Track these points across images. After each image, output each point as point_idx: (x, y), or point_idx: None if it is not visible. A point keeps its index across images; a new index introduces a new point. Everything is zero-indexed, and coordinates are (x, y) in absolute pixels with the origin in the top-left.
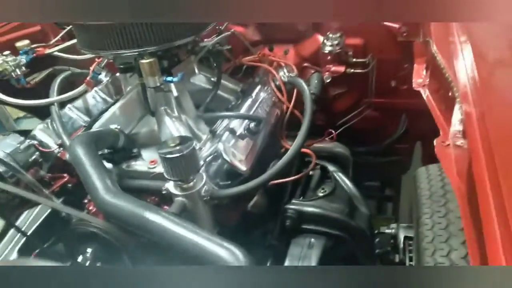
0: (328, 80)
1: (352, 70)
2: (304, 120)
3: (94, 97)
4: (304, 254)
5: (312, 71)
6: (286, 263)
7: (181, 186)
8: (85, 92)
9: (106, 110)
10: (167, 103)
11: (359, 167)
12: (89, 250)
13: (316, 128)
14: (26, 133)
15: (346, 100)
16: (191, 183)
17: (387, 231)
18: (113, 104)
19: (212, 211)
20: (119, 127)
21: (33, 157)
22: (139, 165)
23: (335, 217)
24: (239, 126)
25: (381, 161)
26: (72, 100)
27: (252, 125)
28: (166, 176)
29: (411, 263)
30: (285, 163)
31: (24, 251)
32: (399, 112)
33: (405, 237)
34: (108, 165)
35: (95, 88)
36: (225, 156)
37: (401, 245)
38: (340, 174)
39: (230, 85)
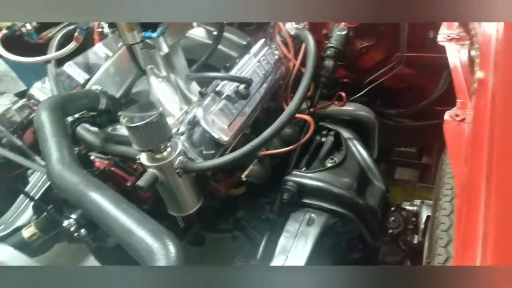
0: (344, 32)
1: None
2: (302, 80)
3: (96, 53)
4: (302, 231)
5: None
6: (281, 240)
7: (152, 157)
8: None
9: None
10: (153, 62)
11: (392, 131)
12: (73, 216)
13: (340, 86)
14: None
15: (375, 54)
16: (165, 153)
17: (408, 207)
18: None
19: (192, 182)
20: (100, 88)
21: (30, 117)
22: (124, 129)
23: (338, 193)
24: (227, 88)
25: (418, 125)
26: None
27: (241, 87)
28: (133, 146)
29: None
30: (274, 131)
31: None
32: (440, 68)
33: (428, 217)
34: (94, 129)
35: (99, 43)
36: (202, 124)
37: (422, 226)
38: (355, 142)
39: (235, 39)
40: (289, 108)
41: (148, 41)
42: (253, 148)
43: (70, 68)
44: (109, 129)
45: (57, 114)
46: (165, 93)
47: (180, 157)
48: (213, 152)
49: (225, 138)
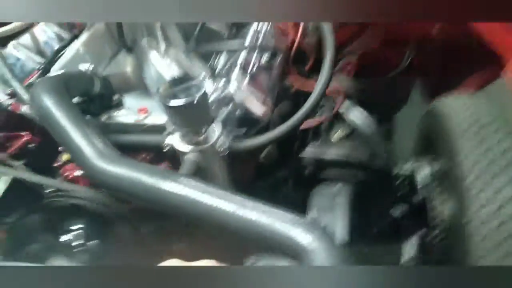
0: None
1: None
2: (327, 51)
3: (45, 32)
4: (331, 206)
5: None
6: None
7: (190, 141)
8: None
9: (64, 47)
10: (150, 33)
11: None
12: (76, 227)
13: None
14: None
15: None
16: (204, 135)
17: (401, 172)
18: (73, 39)
19: (226, 167)
20: (91, 68)
21: None
22: (124, 116)
23: (362, 162)
24: (249, 60)
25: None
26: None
27: (266, 58)
28: (174, 128)
29: None
30: (312, 105)
31: None
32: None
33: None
34: None
35: None
36: (242, 100)
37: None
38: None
39: None
40: (322, 80)
41: None
42: (297, 122)
43: (16, 50)
44: (103, 118)
45: (65, 97)
46: (171, 71)
47: (222, 137)
48: (243, 132)
49: (263, 114)
